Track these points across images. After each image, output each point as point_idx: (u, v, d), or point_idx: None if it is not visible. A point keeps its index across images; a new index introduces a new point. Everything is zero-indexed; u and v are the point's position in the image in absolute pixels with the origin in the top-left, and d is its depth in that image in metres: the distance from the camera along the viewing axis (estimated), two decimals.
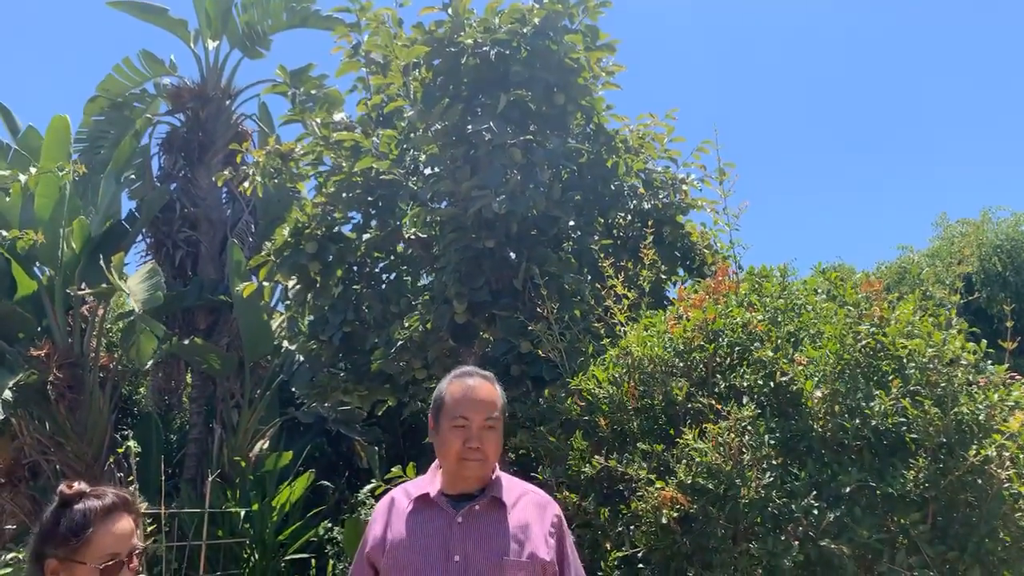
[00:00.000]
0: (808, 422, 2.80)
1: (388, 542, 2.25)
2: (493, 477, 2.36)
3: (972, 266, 11.13)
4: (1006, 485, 2.61)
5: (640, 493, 2.81)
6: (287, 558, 8.66)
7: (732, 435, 2.72)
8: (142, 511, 2.05)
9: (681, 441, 2.82)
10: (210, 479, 7.98)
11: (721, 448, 2.71)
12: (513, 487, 2.40)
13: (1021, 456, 2.69)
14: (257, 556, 8.32)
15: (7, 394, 7.79)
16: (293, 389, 10.47)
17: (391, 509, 2.33)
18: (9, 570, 7.12)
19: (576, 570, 2.36)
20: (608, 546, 2.89)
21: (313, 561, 8.57)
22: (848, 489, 2.57)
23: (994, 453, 2.59)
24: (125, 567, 1.90)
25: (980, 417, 2.72)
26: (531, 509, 2.37)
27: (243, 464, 8.98)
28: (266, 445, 9.71)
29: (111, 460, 8.49)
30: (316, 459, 10.39)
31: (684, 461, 2.77)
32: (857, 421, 2.69)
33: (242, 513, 8.33)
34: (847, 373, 2.80)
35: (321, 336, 6.23)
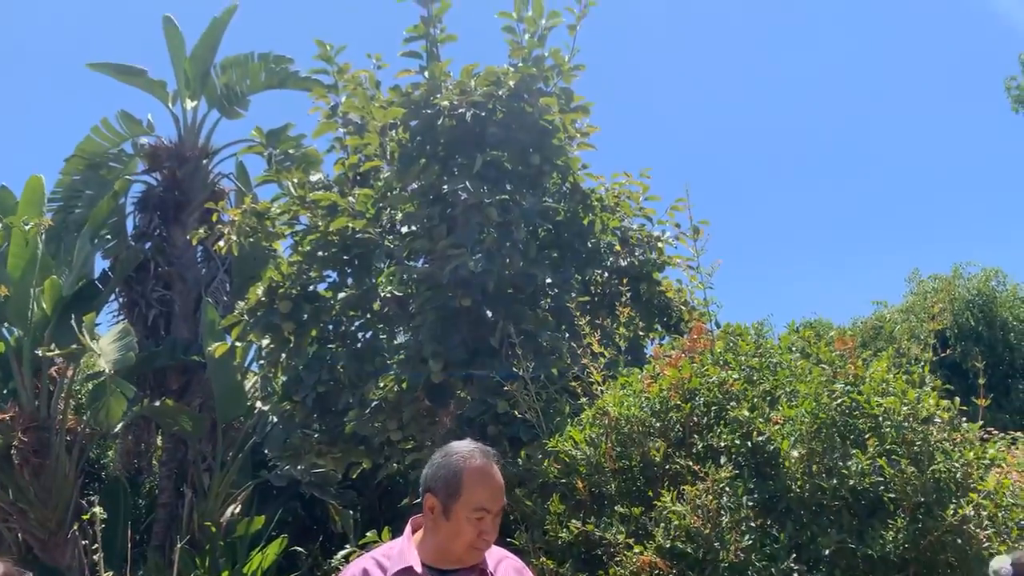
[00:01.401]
0: (786, 483, 2.77)
1: None
2: None
3: (945, 321, 11.27)
4: (985, 545, 2.58)
5: (618, 558, 2.75)
6: None
7: (710, 497, 2.68)
8: None
9: (659, 504, 2.77)
10: (179, 546, 7.73)
11: (699, 510, 2.67)
12: (492, 554, 2.33)
13: (999, 515, 2.68)
14: None
15: None
16: (266, 451, 10.25)
17: None
18: None
19: None
20: None
21: None
22: (828, 551, 2.53)
23: (972, 512, 2.57)
24: None
25: (957, 476, 2.71)
26: (512, 575, 2.31)
27: (213, 529, 8.73)
28: (238, 509, 9.46)
29: (75, 527, 8.21)
30: (289, 523, 10.13)
31: (662, 524, 2.72)
32: (835, 481, 2.67)
33: None
34: (823, 432, 2.79)
35: (294, 396, 6.12)
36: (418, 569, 2.19)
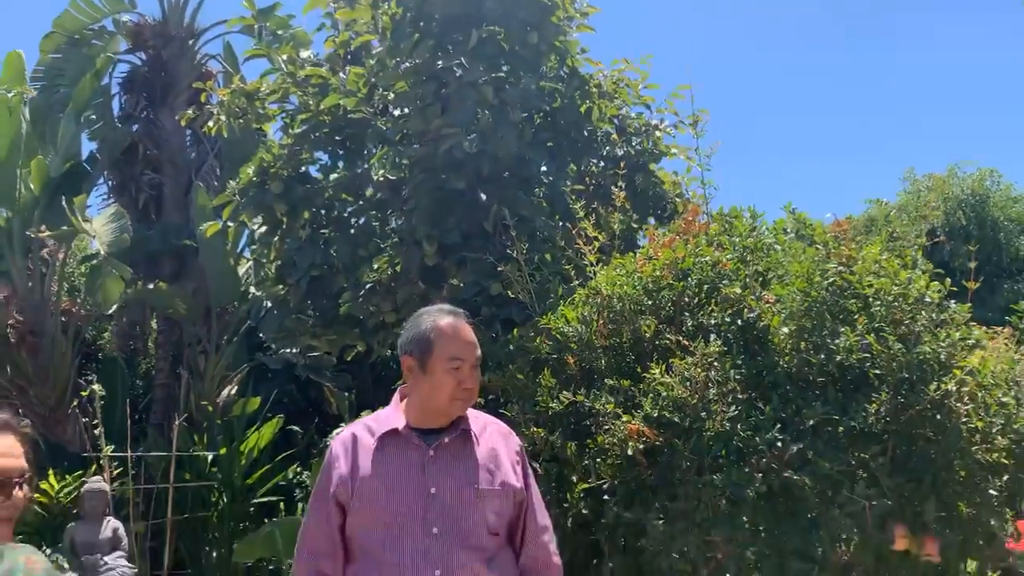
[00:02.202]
0: (774, 358, 2.82)
1: (358, 479, 2.23)
2: None
3: (937, 219, 11.28)
4: (964, 420, 2.66)
5: (607, 427, 2.84)
6: (255, 501, 8.69)
7: (698, 370, 2.74)
8: (27, 432, 1.96)
9: (648, 376, 2.83)
10: (177, 423, 7.93)
11: (687, 383, 2.73)
12: (477, 419, 2.40)
13: (979, 393, 2.75)
14: (226, 499, 8.34)
15: None
16: (261, 335, 10.39)
17: (355, 446, 2.30)
18: None
19: (537, 498, 2.40)
20: (575, 479, 2.92)
21: (282, 504, 8.62)
22: (812, 423, 2.61)
23: (954, 388, 2.63)
24: (15, 488, 1.82)
25: (941, 355, 2.76)
26: (497, 439, 2.39)
27: (210, 409, 8.94)
28: (234, 391, 9.67)
29: (75, 404, 8.40)
30: (285, 405, 10.38)
31: (650, 395, 2.78)
32: (822, 357, 2.72)
33: (209, 457, 8.32)
34: (814, 311, 2.82)
35: (288, 280, 6.14)
36: (401, 430, 2.27)
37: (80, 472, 7.36)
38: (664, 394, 2.75)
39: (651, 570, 2.73)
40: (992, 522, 2.66)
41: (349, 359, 7.46)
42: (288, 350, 9.82)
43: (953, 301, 3.00)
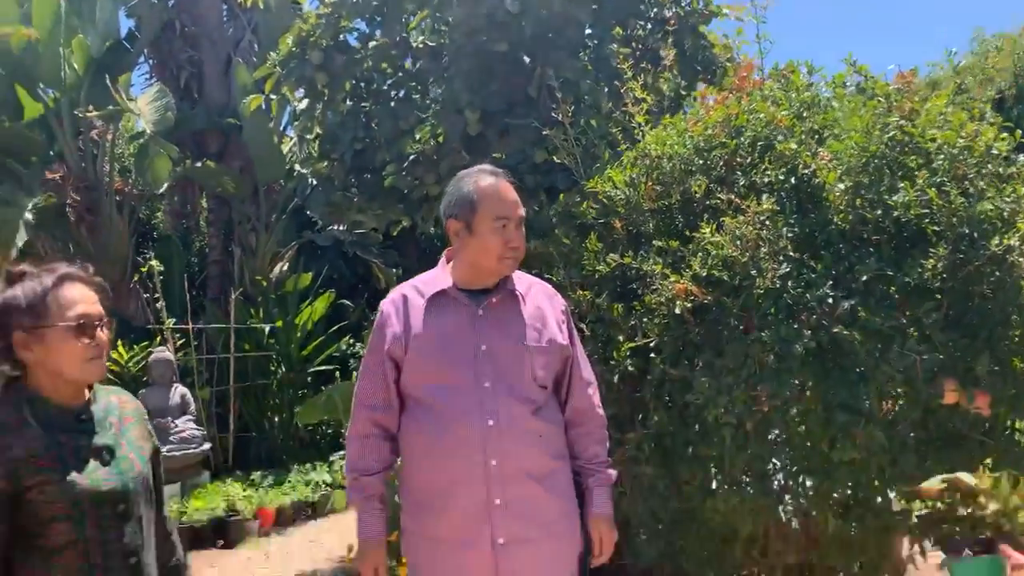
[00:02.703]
0: (828, 216, 2.75)
1: (411, 336, 2.30)
2: None
3: (1005, 81, 10.64)
4: None
5: (654, 287, 2.83)
6: (311, 371, 9.05)
7: (750, 228, 2.69)
8: (99, 282, 2.01)
9: (697, 235, 2.80)
10: (234, 296, 8.20)
11: (738, 241, 2.69)
12: (522, 279, 2.44)
13: None
14: (284, 369, 8.70)
15: (28, 216, 7.88)
16: (308, 212, 10.53)
17: (406, 305, 2.36)
18: None
19: (582, 354, 2.46)
20: (621, 338, 2.95)
21: (337, 373, 8.97)
22: (864, 279, 2.56)
23: (1016, 243, 2.55)
24: (99, 329, 1.88)
25: (1005, 212, 2.66)
26: (542, 298, 2.43)
27: (264, 283, 9.18)
28: (285, 267, 9.90)
29: (135, 279, 8.70)
30: (335, 281, 10.63)
31: (699, 254, 2.76)
32: (879, 213, 2.64)
33: (266, 329, 8.62)
34: (872, 166, 2.72)
35: (332, 155, 6.13)
36: (448, 290, 2.32)
37: (146, 343, 7.72)
38: (713, 253, 2.72)
39: (696, 423, 2.79)
40: None
41: (395, 234, 7.54)
42: (335, 227, 9.96)
43: (1022, 155, 2.86)
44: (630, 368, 2.94)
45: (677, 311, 2.72)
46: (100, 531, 1.82)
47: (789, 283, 2.61)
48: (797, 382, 2.59)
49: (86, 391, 1.99)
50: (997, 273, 2.60)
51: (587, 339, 3.09)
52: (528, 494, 2.18)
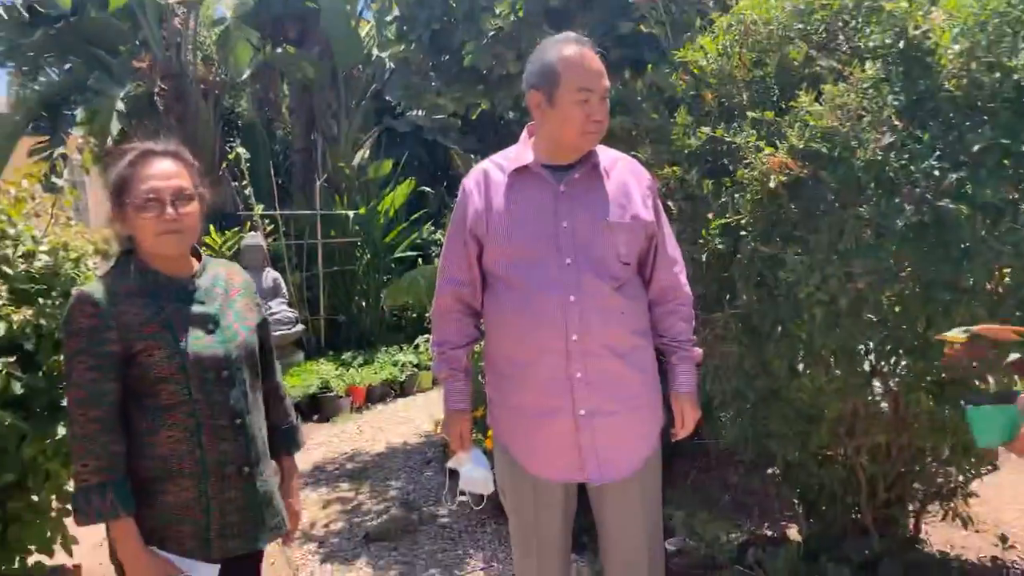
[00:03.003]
0: (939, 82, 2.56)
1: (493, 212, 2.29)
2: None
3: None
4: None
5: (747, 161, 2.72)
6: (395, 256, 9.25)
7: (852, 96, 2.53)
8: (192, 162, 2.07)
9: (795, 104, 2.65)
10: (319, 184, 8.35)
11: (839, 111, 2.54)
12: (606, 154, 2.38)
13: None
14: (369, 255, 8.91)
15: (120, 105, 8.10)
16: (388, 98, 10.48)
17: (487, 181, 2.34)
18: None
19: (668, 231, 2.41)
20: (710, 216, 2.87)
21: (419, 259, 9.15)
22: (976, 148, 2.40)
23: None
24: (169, 204, 1.94)
25: None
26: (627, 174, 2.38)
27: (347, 171, 9.30)
28: (367, 154, 9.97)
29: (223, 166, 8.94)
30: (415, 168, 10.67)
31: (797, 125, 2.62)
32: (996, 76, 2.44)
33: (351, 215, 8.79)
34: (991, 25, 2.49)
35: (410, 36, 6.02)
36: (531, 166, 2.28)
37: (237, 229, 8.00)
38: (812, 124, 2.58)
39: (788, 301, 2.73)
40: None
41: (474, 118, 7.44)
42: (415, 112, 9.90)
43: None
44: (719, 246, 2.87)
45: (772, 185, 2.62)
46: (206, 394, 1.94)
47: (892, 155, 2.47)
48: (895, 260, 2.48)
49: (194, 263, 2.08)
50: None
51: (675, 217, 3.03)
52: (609, 368, 2.20)
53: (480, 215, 2.30)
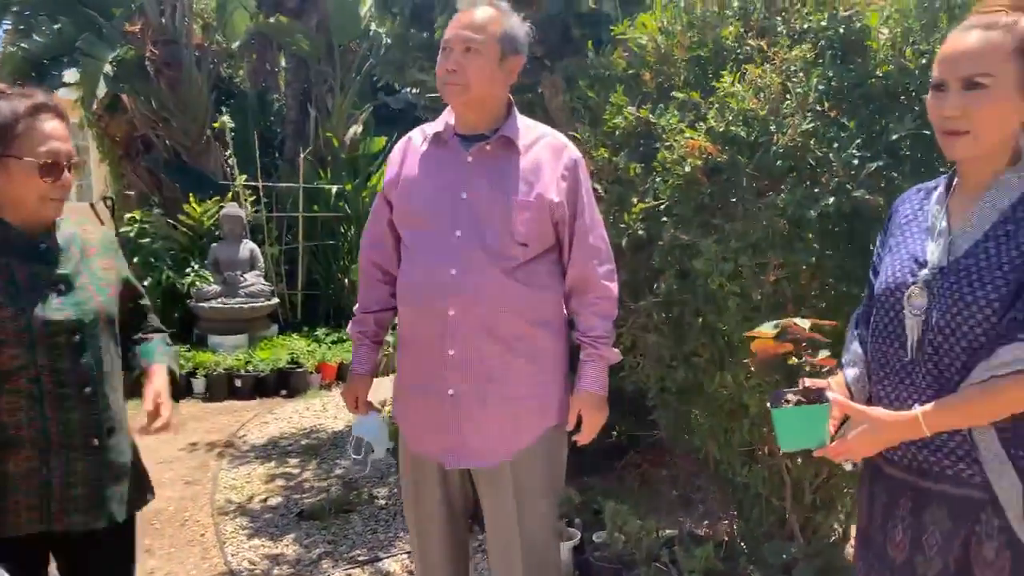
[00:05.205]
0: (869, 68, 2.43)
1: (401, 178, 2.27)
2: (507, 118, 2.25)
3: None
4: None
5: (668, 144, 2.61)
6: None
7: (775, 78, 2.41)
8: (65, 112, 1.95)
9: (717, 86, 2.53)
10: (302, 156, 8.26)
11: (761, 93, 2.42)
12: (530, 130, 2.29)
13: None
14: (353, 230, 8.84)
15: (108, 69, 8.05)
16: (374, 76, 10.38)
17: (407, 148, 2.34)
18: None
19: (592, 216, 2.29)
20: (635, 200, 2.76)
21: None
22: (896, 137, 2.27)
23: None
24: (64, 171, 1.84)
25: None
26: (545, 152, 2.27)
27: (336, 143, 9.19)
28: (359, 130, 9.88)
29: (210, 134, 8.88)
30: None
31: (716, 108, 2.50)
32: (924, 62, 2.30)
33: (333, 190, 8.71)
34: (923, 8, 2.36)
35: (392, 9, 5.93)
36: (443, 133, 2.23)
37: (219, 199, 7.95)
38: (733, 106, 2.46)
39: (703, 292, 2.62)
40: None
41: None
42: (408, 90, 9.79)
43: None
44: (640, 232, 2.76)
45: (687, 169, 2.50)
46: (52, 359, 1.84)
47: (812, 141, 2.35)
48: (809, 250, 2.36)
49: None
50: None
51: (603, 200, 2.92)
52: (486, 351, 2.11)
53: (393, 179, 2.28)
